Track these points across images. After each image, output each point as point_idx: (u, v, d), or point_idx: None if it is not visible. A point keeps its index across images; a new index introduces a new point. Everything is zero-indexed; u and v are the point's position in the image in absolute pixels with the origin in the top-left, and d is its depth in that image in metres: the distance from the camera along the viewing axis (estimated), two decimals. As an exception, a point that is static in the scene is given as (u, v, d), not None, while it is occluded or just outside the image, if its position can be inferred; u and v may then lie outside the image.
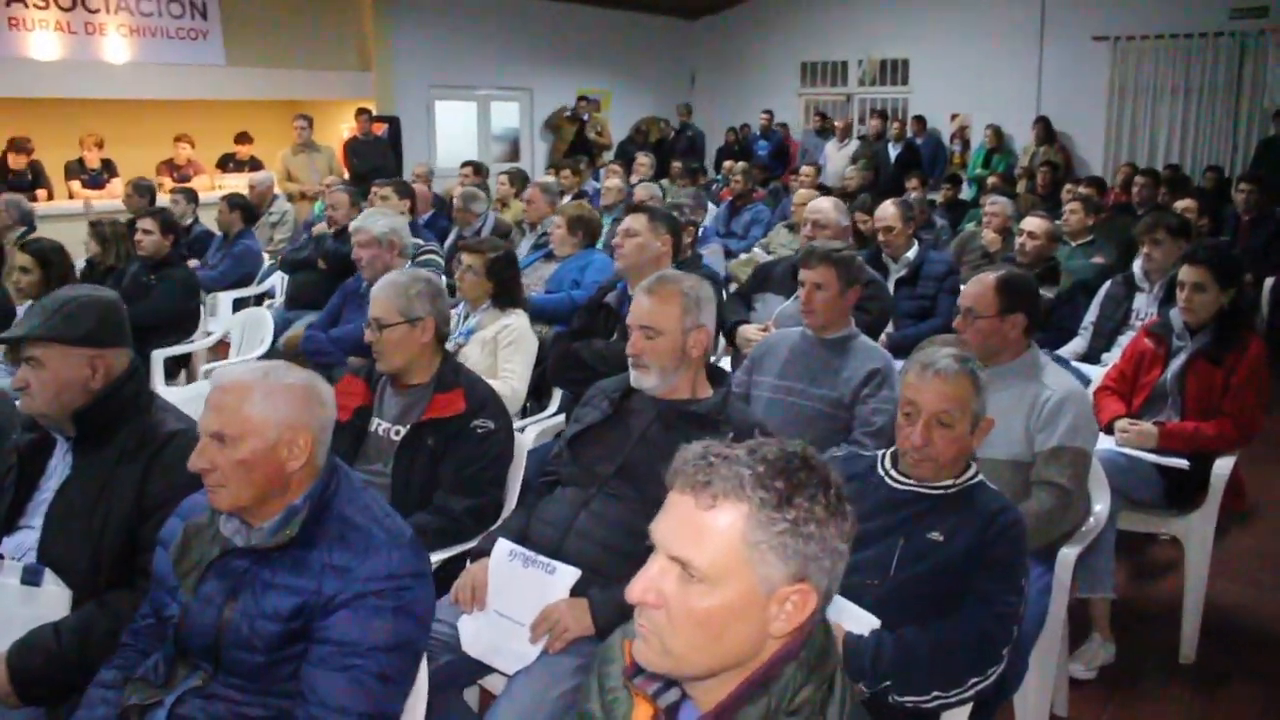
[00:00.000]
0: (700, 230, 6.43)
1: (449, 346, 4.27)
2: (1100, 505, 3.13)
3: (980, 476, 2.47)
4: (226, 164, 12.09)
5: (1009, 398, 3.11)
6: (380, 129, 12.02)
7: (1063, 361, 4.69)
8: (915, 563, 2.32)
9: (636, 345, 2.78)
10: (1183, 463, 3.60)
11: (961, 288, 3.26)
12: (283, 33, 11.87)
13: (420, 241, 6.47)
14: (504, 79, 14.31)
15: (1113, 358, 4.57)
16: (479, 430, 3.04)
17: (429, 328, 3.14)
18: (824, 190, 11.53)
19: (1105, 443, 3.73)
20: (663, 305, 2.77)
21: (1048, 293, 5.21)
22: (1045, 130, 12.31)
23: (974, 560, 2.27)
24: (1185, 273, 3.81)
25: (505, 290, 4.31)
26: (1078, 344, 5.07)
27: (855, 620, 2.24)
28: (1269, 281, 7.74)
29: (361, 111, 11.57)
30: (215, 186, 11.02)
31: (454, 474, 3.00)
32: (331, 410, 2.13)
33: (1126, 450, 3.65)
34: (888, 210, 5.58)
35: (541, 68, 14.59)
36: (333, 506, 2.07)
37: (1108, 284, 5.16)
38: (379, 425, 3.15)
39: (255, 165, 11.83)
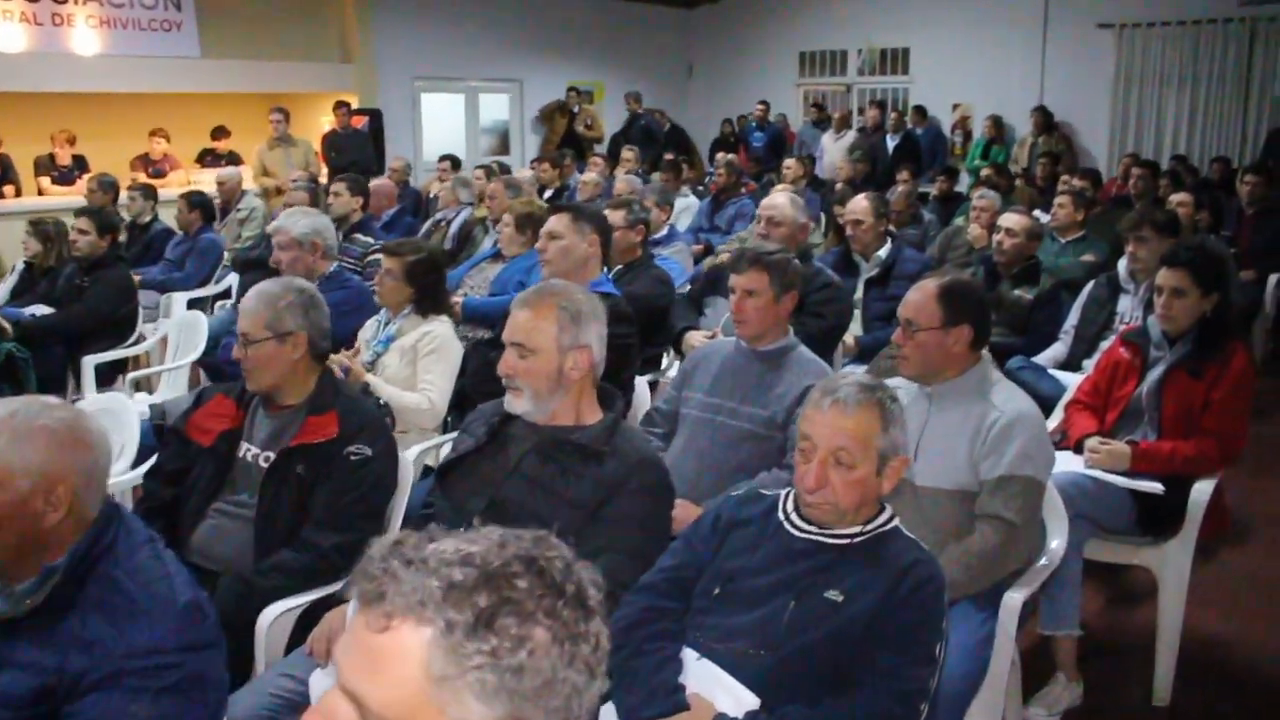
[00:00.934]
0: (667, 227, 6.08)
1: (366, 357, 3.96)
2: (1057, 541, 2.78)
3: (894, 522, 2.13)
4: (205, 158, 11.85)
5: (953, 419, 2.77)
6: (360, 122, 11.71)
7: (1039, 370, 4.35)
8: (808, 628, 1.97)
9: (507, 364, 2.45)
10: (1157, 487, 3.25)
11: (908, 294, 2.91)
12: (260, 24, 11.56)
13: (370, 240, 6.17)
14: (493, 70, 13.97)
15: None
16: (353, 457, 2.71)
17: (301, 343, 2.81)
18: (817, 183, 11.25)
19: (1074, 463, 3.38)
20: (537, 321, 2.45)
21: (1026, 294, 4.85)
22: (1044, 120, 11.90)
23: (877, 626, 1.93)
24: (1163, 276, 3.45)
25: (427, 295, 3.98)
26: (1058, 349, 4.71)
27: (731, 697, 1.90)
28: (1273, 279, 7.36)
29: (340, 104, 11.25)
30: (191, 182, 10.71)
31: (324, 506, 2.68)
32: (102, 452, 1.81)
33: (1096, 473, 3.29)
34: (859, 203, 5.23)
35: (532, 58, 14.24)
36: (99, 566, 1.75)
37: (1090, 285, 4.81)
38: (248, 451, 2.82)
39: (234, 160, 11.56)
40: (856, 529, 2.08)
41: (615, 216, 4.76)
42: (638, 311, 4.52)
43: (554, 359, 2.44)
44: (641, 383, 3.80)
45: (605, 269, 3.78)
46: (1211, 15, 12.13)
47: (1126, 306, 4.60)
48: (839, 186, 8.53)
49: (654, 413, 3.44)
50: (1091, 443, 3.37)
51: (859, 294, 5.19)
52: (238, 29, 11.38)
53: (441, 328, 3.94)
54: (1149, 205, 4.70)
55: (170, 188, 10.66)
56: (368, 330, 4.14)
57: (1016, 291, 4.86)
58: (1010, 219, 4.92)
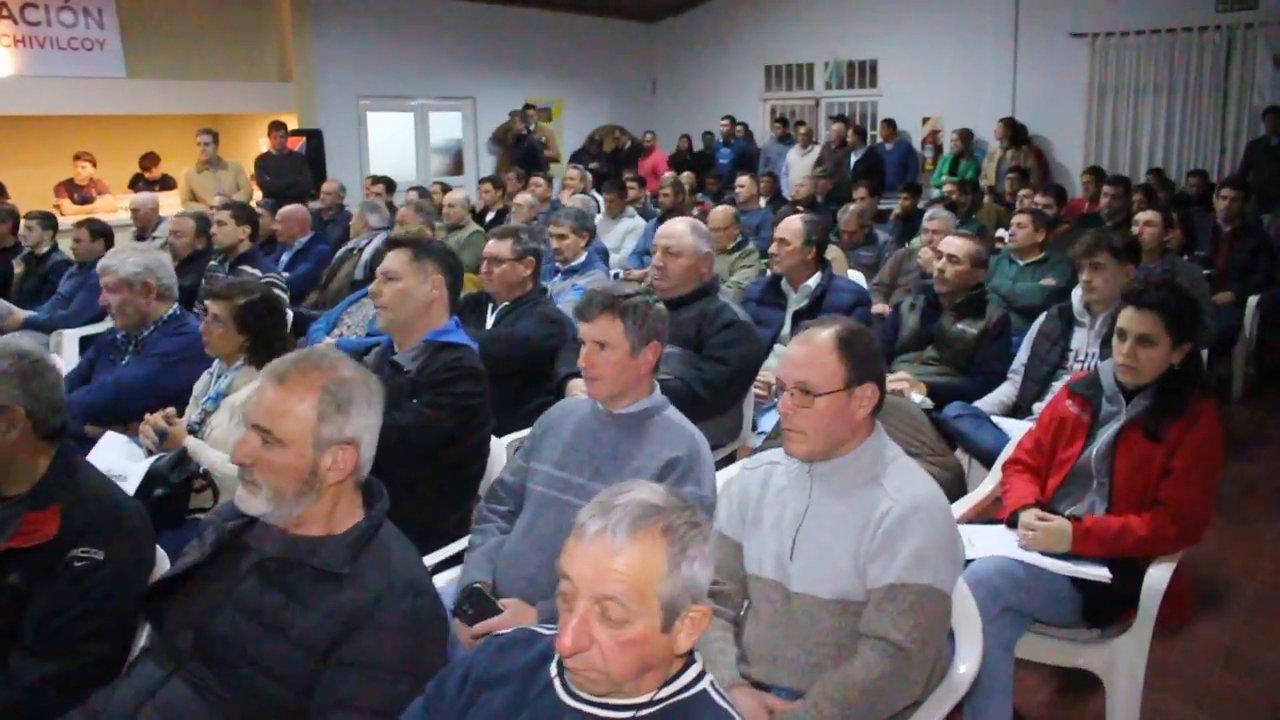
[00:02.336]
0: (585, 254, 5.52)
1: (194, 416, 3.40)
2: (966, 665, 2.21)
3: (704, 683, 1.56)
4: (138, 184, 11.30)
5: (837, 510, 2.21)
6: (297, 144, 11.14)
7: (979, 418, 3.79)
8: None
9: (244, 450, 1.89)
10: (1102, 574, 2.68)
11: (787, 350, 2.33)
12: (191, 42, 10.99)
13: (258, 273, 5.60)
14: (444, 88, 13.43)
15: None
16: (76, 563, 2.13)
17: (18, 420, 2.23)
18: (779, 201, 10.71)
19: (1008, 540, 2.82)
20: (291, 402, 1.90)
21: (970, 328, 4.30)
22: (1012, 133, 11.36)
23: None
24: (1129, 319, 2.88)
25: (262, 343, 3.40)
26: (1006, 392, 4.15)
27: None
28: (1253, 300, 6.83)
29: (276, 125, 10.67)
30: (119, 209, 10.13)
31: (35, 625, 2.10)
32: None
33: (1031, 557, 2.72)
34: (791, 223, 4.67)
35: (485, 75, 13.70)
36: None
37: (1041, 318, 4.25)
38: (-46, 557, 2.24)
39: (168, 185, 11.04)
40: (645, 698, 1.50)
41: (501, 248, 4.22)
42: (521, 356, 3.97)
43: (307, 455, 1.88)
44: (500, 447, 3.22)
45: (452, 316, 3.20)
46: (1187, 24, 11.67)
47: (1081, 342, 4.05)
48: (781, 209, 7.98)
49: (498, 486, 2.88)
50: (1027, 517, 2.81)
51: (787, 328, 4.64)
52: (167, 47, 10.81)
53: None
54: (1105, 227, 4.14)
55: (97, 214, 10.11)
56: (200, 384, 3.57)
57: (960, 325, 4.30)
58: (952, 243, 4.36)
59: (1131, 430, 2.83)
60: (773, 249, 4.68)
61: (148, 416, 3.32)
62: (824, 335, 2.24)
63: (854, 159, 12.51)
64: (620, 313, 2.64)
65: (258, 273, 5.61)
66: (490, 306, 4.28)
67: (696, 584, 1.51)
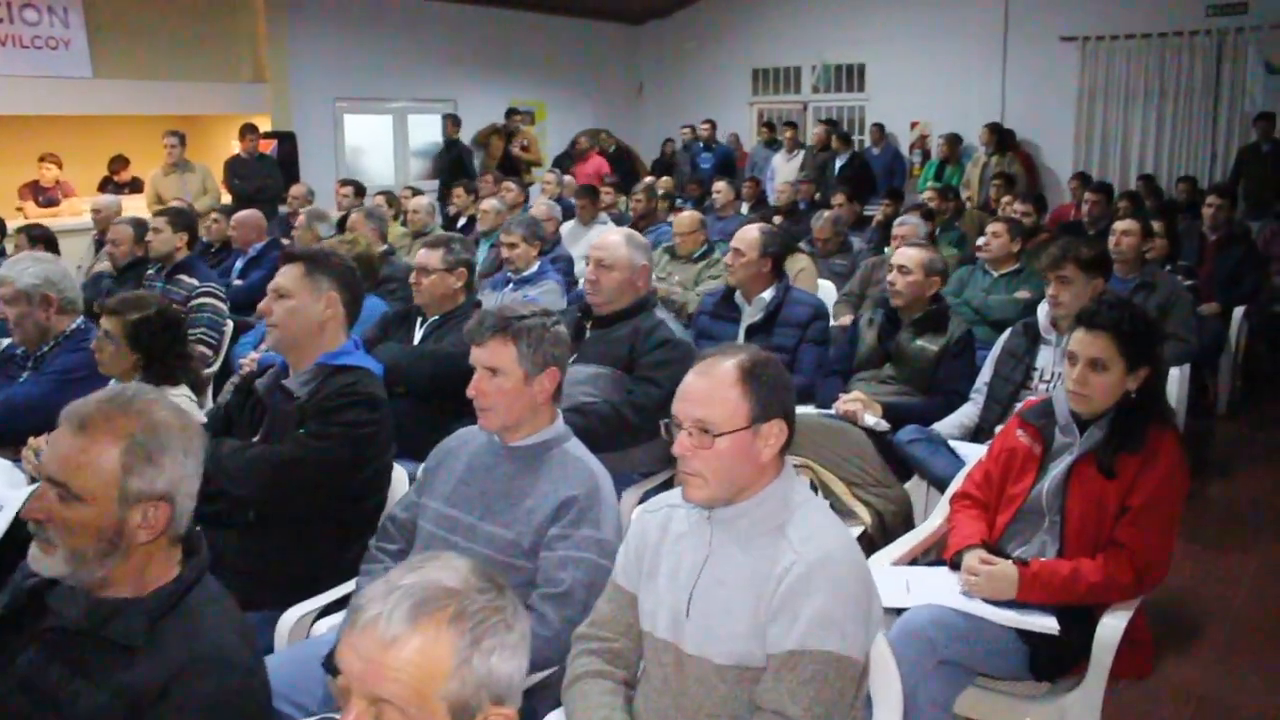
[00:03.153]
0: (537, 263, 5.28)
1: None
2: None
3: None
4: (106, 187, 11.07)
5: (737, 562, 1.96)
6: (269, 146, 10.90)
7: (934, 443, 3.54)
8: None
9: (40, 507, 1.64)
10: (1050, 625, 2.44)
11: (684, 383, 2.06)
12: (161, 41, 10.72)
13: (195, 283, 5.36)
14: (424, 90, 13.18)
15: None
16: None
17: None
18: (764, 207, 10.46)
19: (950, 585, 2.58)
20: (91, 452, 1.64)
21: (930, 344, 4.05)
22: (997, 138, 11.11)
23: None
24: (1080, 342, 2.64)
25: (157, 362, 3.17)
26: (967, 413, 3.91)
27: None
28: (1239, 311, 6.60)
29: (247, 127, 10.42)
30: (84, 212, 9.89)
31: None
32: None
33: (972, 606, 2.48)
34: (748, 233, 4.43)
35: (467, 77, 13.45)
36: None
37: (1005, 334, 4.00)
38: None
39: (138, 188, 10.80)
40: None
41: (431, 257, 3.98)
42: (449, 374, 3.71)
43: (111, 512, 1.64)
44: (403, 478, 2.98)
45: (350, 336, 2.95)
46: (1178, 28, 11.45)
47: (1047, 360, 3.81)
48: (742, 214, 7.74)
49: (388, 522, 2.64)
50: (970, 560, 2.56)
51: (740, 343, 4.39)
52: (135, 47, 10.54)
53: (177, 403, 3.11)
54: (1071, 238, 3.89)
55: (62, 217, 9.88)
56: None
57: (919, 341, 4.06)
58: (904, 253, 4.12)
59: (1085, 465, 2.58)
60: (726, 259, 4.45)
61: (31, 440, 3.07)
62: (725, 366, 1.99)
63: (840, 164, 12.26)
64: (513, 335, 2.40)
65: (195, 282, 5.37)
66: (420, 320, 4.03)
67: (496, 681, 1.26)
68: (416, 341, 3.98)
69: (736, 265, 4.37)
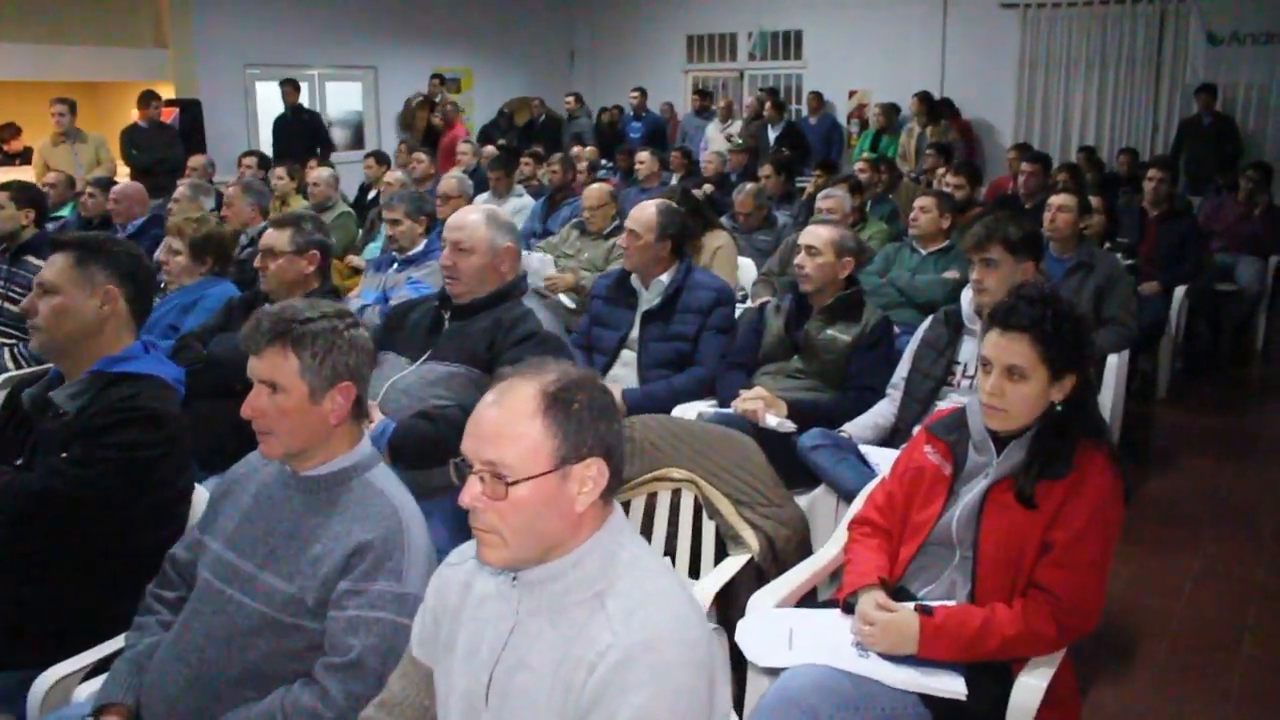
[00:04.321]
0: (424, 241, 4.79)
1: None
2: None
3: None
4: (-6, 158, 10.44)
5: (550, 638, 1.53)
6: (170, 115, 10.25)
7: (840, 450, 3.13)
8: None
9: None
10: (956, 690, 2.02)
11: (474, 415, 1.58)
12: (51, 2, 10.04)
13: (40, 264, 4.80)
14: (342, 56, 12.53)
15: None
16: None
17: None
18: (695, 178, 9.98)
19: (838, 635, 2.15)
20: None
21: (842, 334, 3.63)
22: (928, 107, 10.72)
23: None
24: (994, 346, 2.20)
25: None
26: (883, 411, 3.49)
27: None
28: (1179, 292, 6.26)
29: (147, 94, 9.75)
30: (-34, 182, 9.21)
31: None
32: None
33: (865, 665, 2.06)
34: (644, 211, 3.98)
35: (388, 43, 12.82)
36: None
37: (925, 323, 3.59)
38: None
39: (29, 159, 10.12)
40: None
41: (278, 238, 3.49)
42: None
43: None
44: (204, 496, 2.50)
45: (138, 338, 2.46)
46: (1120, -5, 11.13)
47: (970, 354, 3.38)
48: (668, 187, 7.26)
49: (168, 565, 2.17)
50: (865, 605, 2.14)
51: (635, 331, 3.95)
52: (22, 7, 9.85)
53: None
54: (999, 215, 3.49)
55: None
56: None
57: (829, 331, 3.63)
58: (813, 233, 3.68)
59: (1001, 491, 2.16)
60: (621, 241, 4.00)
61: None
62: (523, 392, 1.53)
63: (772, 134, 11.83)
64: (294, 344, 1.93)
65: (41, 263, 4.81)
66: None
67: None
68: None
69: (632, 248, 3.92)
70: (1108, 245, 6.05)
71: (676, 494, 2.85)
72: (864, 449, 3.20)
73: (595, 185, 6.26)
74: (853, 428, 3.38)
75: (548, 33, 14.90)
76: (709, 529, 2.78)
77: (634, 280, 4.02)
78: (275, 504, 1.99)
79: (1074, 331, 2.14)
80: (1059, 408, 2.15)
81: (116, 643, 2.18)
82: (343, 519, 1.91)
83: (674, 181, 10.17)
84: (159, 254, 4.12)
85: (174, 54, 10.89)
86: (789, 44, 13.57)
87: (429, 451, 2.80)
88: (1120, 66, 11.30)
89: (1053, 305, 2.14)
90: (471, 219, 3.08)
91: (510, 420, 1.51)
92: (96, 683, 2.13)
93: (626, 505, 2.90)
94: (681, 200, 5.63)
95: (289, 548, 1.92)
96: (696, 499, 2.80)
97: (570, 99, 13.00)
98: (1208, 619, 3.71)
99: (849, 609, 2.19)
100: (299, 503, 1.96)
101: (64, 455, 2.23)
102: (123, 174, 9.37)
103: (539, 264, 5.84)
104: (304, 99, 12.53)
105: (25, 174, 9.19)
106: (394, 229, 4.83)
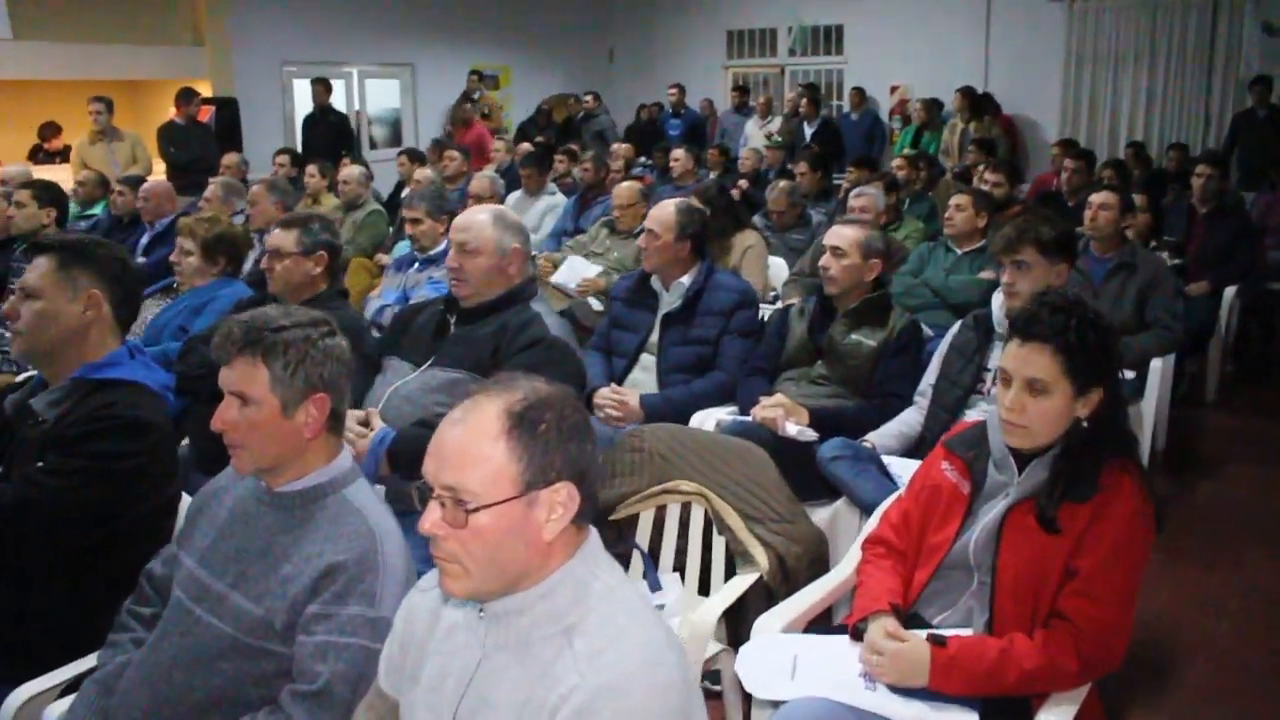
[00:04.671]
0: (445, 241, 4.70)
1: None
2: None
3: None
4: (37, 156, 10.48)
5: (515, 675, 1.42)
6: (207, 113, 10.26)
7: (860, 461, 2.99)
8: None
9: None
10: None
11: (436, 436, 1.46)
12: (91, 1, 10.08)
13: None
14: (380, 53, 12.51)
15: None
16: None
17: None
18: (733, 175, 9.84)
19: (846, 664, 2.02)
20: None
21: (867, 339, 3.48)
22: (971, 103, 10.48)
23: None
24: (1014, 358, 2.06)
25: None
26: (909, 419, 3.34)
27: None
28: (1229, 292, 6.04)
29: (184, 92, 9.75)
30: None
31: None
32: None
33: (868, 701, 1.92)
34: (661, 214, 3.86)
35: (426, 40, 12.78)
36: None
37: (954, 328, 3.43)
38: None
39: (69, 158, 10.19)
40: None
41: (285, 239, 3.39)
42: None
43: None
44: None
45: (123, 342, 2.38)
46: (1171, -14, 10.83)
47: (1000, 358, 3.22)
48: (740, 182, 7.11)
49: (144, 580, 2.08)
50: (874, 634, 2.00)
51: (655, 334, 3.83)
52: (59, 7, 9.90)
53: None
54: (1029, 216, 3.32)
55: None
56: None
57: (854, 335, 3.48)
58: (838, 234, 3.53)
59: (1022, 513, 2.02)
60: (640, 241, 3.88)
61: None
62: (486, 411, 1.42)
63: (811, 130, 11.65)
64: (264, 353, 1.84)
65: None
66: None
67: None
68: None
69: (651, 248, 3.80)
70: (1153, 244, 5.84)
71: (686, 507, 2.73)
72: (887, 460, 3.06)
73: (625, 183, 6.15)
74: (876, 437, 3.23)
75: (587, 29, 14.80)
76: (719, 544, 2.66)
77: (654, 282, 3.90)
78: (249, 520, 1.90)
79: (1100, 342, 1.99)
80: (1084, 424, 2.00)
81: (90, 660, 2.09)
82: (315, 538, 1.81)
83: (710, 179, 10.09)
84: (173, 255, 4.06)
85: (211, 52, 10.91)
86: (830, 39, 13.38)
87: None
88: (1171, 59, 10.99)
89: (1077, 313, 1.99)
90: (479, 219, 2.97)
91: (472, 441, 1.40)
92: (68, 702, 2.05)
93: (635, 518, 2.79)
94: (713, 198, 5.52)
95: (259, 567, 1.82)
96: (707, 513, 2.68)
97: (589, 97, 12.78)
98: (1253, 641, 3.52)
99: (858, 635, 2.06)
100: (272, 519, 1.87)
101: (39, 465, 2.15)
102: (159, 172, 9.42)
103: (581, 266, 5.75)
104: (341, 96, 12.54)
105: (65, 172, 9.26)
106: (414, 228, 4.75)
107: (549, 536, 1.42)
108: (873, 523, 2.38)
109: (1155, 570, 4.01)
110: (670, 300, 3.83)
